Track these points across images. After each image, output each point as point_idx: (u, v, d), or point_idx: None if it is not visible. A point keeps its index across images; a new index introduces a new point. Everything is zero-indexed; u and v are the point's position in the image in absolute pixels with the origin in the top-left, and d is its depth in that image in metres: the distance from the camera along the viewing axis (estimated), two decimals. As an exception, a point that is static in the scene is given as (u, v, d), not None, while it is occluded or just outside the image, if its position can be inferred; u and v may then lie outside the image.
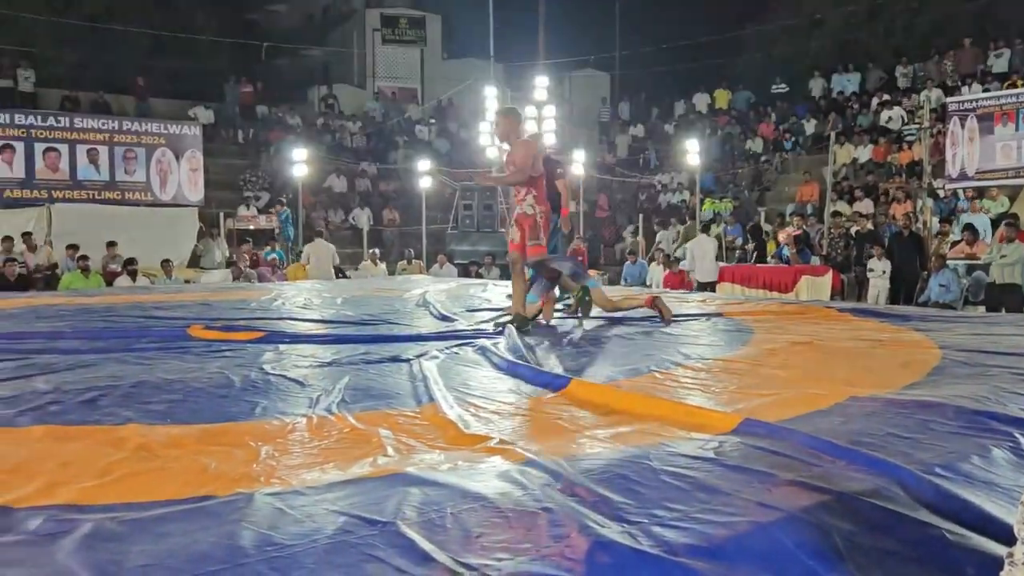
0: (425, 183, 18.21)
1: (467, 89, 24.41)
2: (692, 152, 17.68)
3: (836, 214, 14.44)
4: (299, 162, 18.01)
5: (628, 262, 16.11)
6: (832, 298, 11.36)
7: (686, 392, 3.61)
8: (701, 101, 24.91)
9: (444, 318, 6.45)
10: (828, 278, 11.92)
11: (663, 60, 26.65)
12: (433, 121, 25.34)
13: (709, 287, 13.03)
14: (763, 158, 21.05)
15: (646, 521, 2.00)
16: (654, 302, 6.35)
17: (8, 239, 13.06)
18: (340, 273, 15.06)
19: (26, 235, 13.61)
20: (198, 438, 2.84)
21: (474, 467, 2.47)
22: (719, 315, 6.64)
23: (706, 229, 14.52)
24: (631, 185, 22.98)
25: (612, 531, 1.93)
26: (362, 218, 19.79)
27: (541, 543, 1.88)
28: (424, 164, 18.48)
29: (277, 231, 17.53)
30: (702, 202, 18.53)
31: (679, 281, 13.87)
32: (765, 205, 19.12)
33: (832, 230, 13.76)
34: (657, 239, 17.92)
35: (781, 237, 13.76)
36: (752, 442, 2.67)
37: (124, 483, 2.36)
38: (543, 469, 2.39)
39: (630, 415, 3.14)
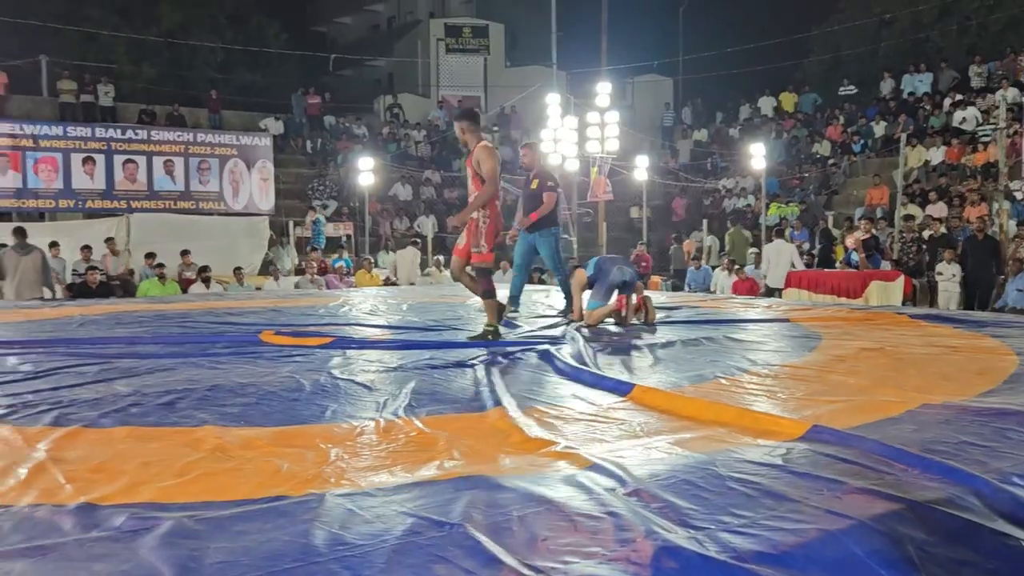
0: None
1: (530, 96, 24.49)
2: (757, 156, 17.44)
3: (908, 217, 14.07)
4: (365, 171, 18.30)
5: (692, 267, 15.95)
6: (903, 304, 11.08)
7: (752, 398, 3.58)
8: (766, 104, 24.56)
9: (506, 324, 6.48)
10: (899, 283, 11.62)
11: (727, 64, 26.37)
12: (496, 129, 25.48)
13: (778, 293, 12.82)
14: (830, 161, 20.64)
15: (713, 527, 1.99)
16: (627, 302, 6.46)
17: (87, 248, 13.53)
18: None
19: (109, 240, 14.08)
20: (271, 440, 2.92)
21: (539, 471, 2.49)
22: (786, 321, 6.54)
23: (780, 234, 14.27)
24: (695, 190, 22.76)
25: (678, 536, 1.93)
26: (427, 226, 20.01)
27: (607, 547, 1.89)
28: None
29: (345, 241, 17.80)
30: (767, 206, 18.25)
31: (748, 288, 13.64)
32: (833, 209, 18.75)
33: (904, 234, 13.42)
34: (707, 244, 17.67)
35: (849, 241, 13.46)
36: (820, 449, 2.64)
37: (201, 483, 2.44)
38: (608, 474, 2.40)
39: (695, 421, 3.12)
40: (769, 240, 14.76)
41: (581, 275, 6.71)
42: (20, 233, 10.35)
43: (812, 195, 19.83)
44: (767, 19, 28.07)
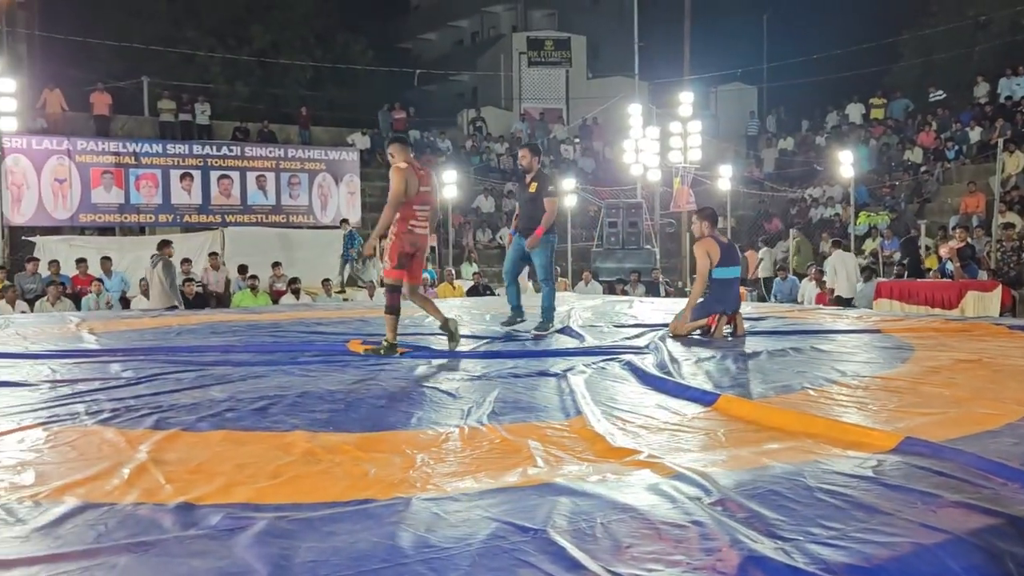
0: (570, 201, 18.32)
1: (612, 107, 24.43)
2: (846, 164, 16.98)
3: (1008, 226, 13.49)
4: (449, 184, 18.54)
5: (778, 278, 15.62)
6: (1002, 315, 10.61)
7: (841, 410, 3.50)
8: (855, 111, 23.89)
9: (577, 335, 6.46)
10: (997, 293, 11.12)
11: (814, 71, 25.78)
12: (578, 140, 25.48)
13: (846, 303, 12.52)
14: (923, 168, 19.94)
15: (801, 538, 1.96)
16: (719, 320, 6.28)
17: (187, 261, 14.03)
18: (488, 290, 15.37)
19: (213, 255, 14.60)
20: (358, 445, 3.00)
21: (622, 479, 2.49)
22: (877, 331, 6.35)
23: (838, 244, 13.91)
24: (780, 200, 22.27)
25: (765, 547, 1.90)
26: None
27: (693, 556, 1.88)
28: (569, 183, 18.60)
29: (429, 253, 17.96)
30: (856, 215, 17.74)
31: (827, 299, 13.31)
32: (925, 217, 18.10)
33: (1003, 243, 12.87)
34: (759, 256, 17.28)
35: (943, 251, 12.98)
36: (914, 461, 2.56)
37: (293, 485, 2.53)
38: (693, 483, 2.38)
39: (782, 432, 3.07)
40: (830, 252, 14.38)
41: (711, 247, 6.49)
42: (158, 245, 10.88)
43: (903, 203, 19.20)
44: (854, 24, 27.34)
